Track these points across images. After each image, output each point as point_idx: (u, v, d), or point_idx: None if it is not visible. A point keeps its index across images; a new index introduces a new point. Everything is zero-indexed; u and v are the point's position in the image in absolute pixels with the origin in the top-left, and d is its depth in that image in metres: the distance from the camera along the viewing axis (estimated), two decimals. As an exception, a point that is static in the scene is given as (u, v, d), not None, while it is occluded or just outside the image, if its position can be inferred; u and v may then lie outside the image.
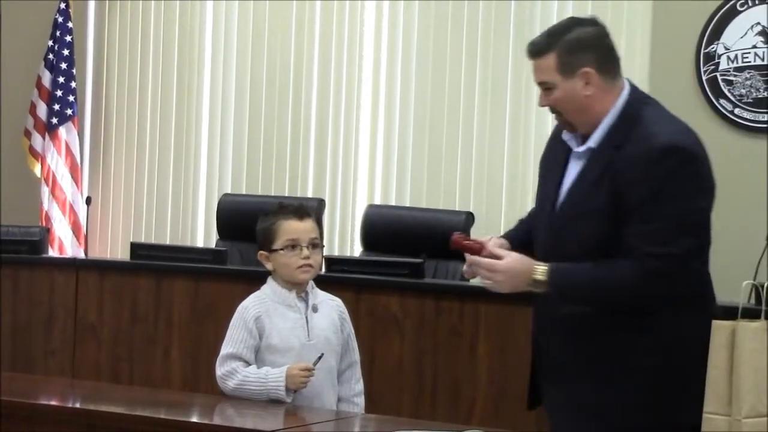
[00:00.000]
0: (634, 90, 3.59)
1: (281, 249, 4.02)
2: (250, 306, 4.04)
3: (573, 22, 3.60)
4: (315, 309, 4.06)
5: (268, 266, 4.07)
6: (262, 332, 3.99)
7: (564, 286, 3.47)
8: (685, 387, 3.48)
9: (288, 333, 4.00)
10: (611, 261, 3.43)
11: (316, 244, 4.06)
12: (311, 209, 4.19)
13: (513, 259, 3.49)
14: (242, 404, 3.92)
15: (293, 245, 4.02)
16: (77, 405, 4.09)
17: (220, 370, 3.99)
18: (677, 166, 3.38)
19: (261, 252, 4.07)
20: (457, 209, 6.99)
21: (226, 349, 4.01)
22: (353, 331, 4.19)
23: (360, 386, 4.16)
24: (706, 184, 3.45)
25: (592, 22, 3.59)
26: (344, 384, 4.11)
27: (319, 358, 3.94)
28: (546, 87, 3.53)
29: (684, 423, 3.48)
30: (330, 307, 4.13)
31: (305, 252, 4.03)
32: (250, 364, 3.96)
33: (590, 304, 3.49)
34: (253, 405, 3.89)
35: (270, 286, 4.09)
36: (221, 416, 3.92)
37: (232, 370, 3.95)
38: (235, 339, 4.00)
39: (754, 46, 6.45)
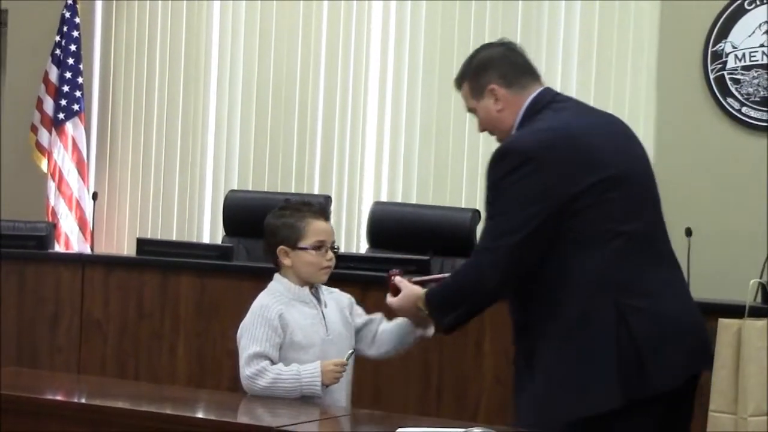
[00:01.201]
0: (537, 97, 3.74)
1: (310, 248, 4.02)
2: (271, 304, 3.99)
3: (480, 48, 3.88)
4: (326, 305, 4.06)
5: (286, 262, 4.03)
6: (285, 329, 3.94)
7: (434, 304, 3.75)
8: (594, 370, 3.50)
9: (309, 329, 3.98)
10: (462, 264, 3.76)
11: (334, 247, 4.08)
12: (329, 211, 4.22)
13: (401, 297, 3.87)
14: (247, 401, 3.91)
15: (320, 246, 4.02)
16: (83, 400, 4.08)
17: (247, 371, 3.91)
18: (510, 167, 3.56)
19: (282, 247, 4.03)
20: (463, 206, 6.99)
21: (251, 348, 3.92)
22: (360, 309, 4.18)
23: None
24: (542, 182, 3.53)
25: (499, 43, 3.86)
26: (366, 326, 4.13)
27: (351, 353, 3.94)
28: (474, 113, 3.82)
29: (601, 406, 3.49)
30: (335, 301, 4.12)
31: (330, 254, 4.04)
32: (275, 363, 3.93)
33: (457, 309, 3.69)
34: (259, 402, 3.88)
35: (281, 284, 4.06)
36: (226, 412, 3.91)
37: (261, 369, 3.89)
38: (259, 338, 3.93)
39: (762, 45, 6.45)
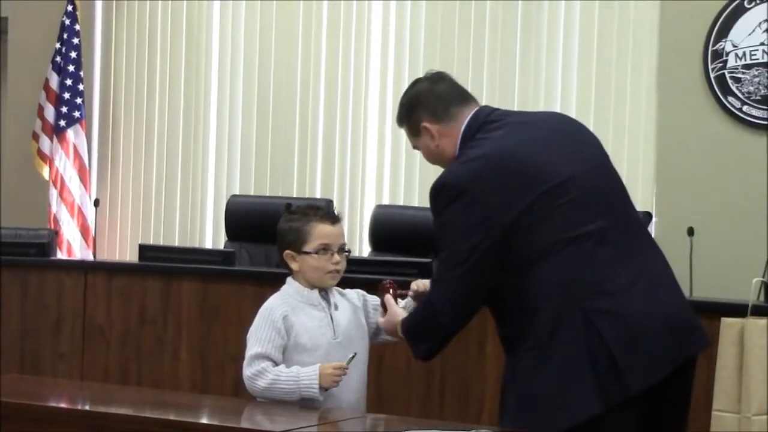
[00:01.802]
0: (470, 122, 3.75)
1: (314, 252, 4.01)
2: (276, 306, 4.00)
3: (410, 86, 3.92)
4: (336, 307, 4.05)
5: (293, 266, 4.03)
6: (289, 331, 3.94)
7: (408, 334, 3.82)
8: (570, 380, 3.50)
9: (315, 332, 3.97)
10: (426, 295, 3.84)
11: (344, 250, 4.07)
12: (340, 214, 4.19)
13: (386, 319, 3.97)
14: (251, 406, 3.91)
15: (325, 249, 4.02)
16: (86, 407, 4.07)
17: (248, 371, 3.92)
18: (446, 202, 3.62)
19: (288, 252, 4.04)
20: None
21: (253, 349, 3.93)
22: (374, 300, 4.16)
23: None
24: (479, 212, 3.56)
25: (425, 78, 3.88)
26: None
27: (352, 357, 3.92)
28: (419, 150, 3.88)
29: (580, 416, 3.48)
30: (348, 304, 4.11)
31: (336, 257, 4.02)
32: (277, 364, 3.93)
33: (426, 341, 3.77)
34: (263, 406, 3.88)
35: (292, 286, 4.05)
36: (230, 417, 3.91)
37: (261, 370, 3.90)
38: (262, 339, 3.93)
39: (762, 44, 6.44)
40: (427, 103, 3.78)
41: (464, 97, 3.80)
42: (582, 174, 3.62)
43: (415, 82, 3.90)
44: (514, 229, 3.53)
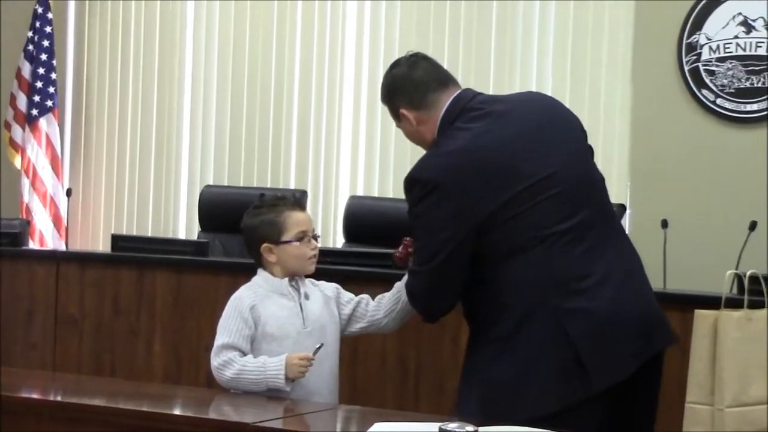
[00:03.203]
0: (449, 108, 3.72)
1: (295, 240, 4.02)
2: (244, 296, 4.02)
3: (388, 69, 3.91)
4: (307, 296, 4.06)
5: (271, 258, 4.03)
6: (257, 321, 3.96)
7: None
8: (532, 374, 3.52)
9: (284, 321, 3.99)
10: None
11: (315, 235, 4.10)
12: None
13: None
14: (225, 397, 3.91)
15: (303, 236, 4.03)
16: (58, 398, 4.06)
17: (215, 361, 3.94)
18: (418, 197, 3.63)
19: (266, 245, 4.04)
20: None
21: (221, 339, 3.96)
22: (348, 294, 4.19)
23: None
24: (450, 207, 3.56)
25: (404, 60, 3.87)
26: (356, 308, 4.15)
27: (319, 348, 3.93)
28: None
29: (537, 411, 3.48)
30: (320, 294, 4.11)
31: (314, 242, 4.07)
32: (245, 354, 3.94)
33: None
34: (237, 398, 3.87)
35: (261, 277, 4.07)
36: (203, 409, 3.90)
37: (228, 360, 3.91)
38: (230, 329, 3.96)
39: (736, 37, 6.46)
40: (403, 89, 3.77)
41: (442, 82, 3.77)
42: (564, 168, 3.60)
43: (394, 65, 3.87)
44: (490, 224, 3.52)
